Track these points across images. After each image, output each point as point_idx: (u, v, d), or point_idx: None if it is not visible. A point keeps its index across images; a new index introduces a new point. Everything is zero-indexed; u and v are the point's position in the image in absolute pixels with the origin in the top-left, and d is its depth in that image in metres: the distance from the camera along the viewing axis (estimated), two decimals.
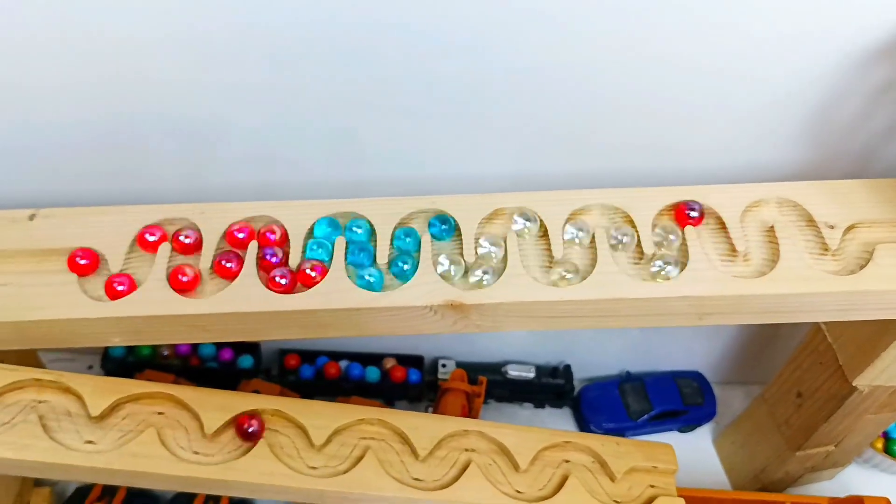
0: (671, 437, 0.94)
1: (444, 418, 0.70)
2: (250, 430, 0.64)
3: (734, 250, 0.64)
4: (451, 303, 0.62)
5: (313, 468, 0.65)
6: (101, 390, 0.65)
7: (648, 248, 0.64)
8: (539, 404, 1.02)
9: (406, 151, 0.77)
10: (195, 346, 0.96)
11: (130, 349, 0.92)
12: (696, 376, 1.03)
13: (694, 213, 0.65)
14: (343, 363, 0.98)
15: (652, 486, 0.71)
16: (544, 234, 0.66)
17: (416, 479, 0.67)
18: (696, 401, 1.00)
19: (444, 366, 1.00)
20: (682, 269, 0.63)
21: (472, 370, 0.98)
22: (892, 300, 0.62)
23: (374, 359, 0.99)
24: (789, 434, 0.86)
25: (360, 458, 0.66)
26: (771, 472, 0.91)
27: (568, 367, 1.01)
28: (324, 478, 0.65)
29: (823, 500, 0.86)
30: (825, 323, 0.78)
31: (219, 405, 0.66)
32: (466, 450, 0.69)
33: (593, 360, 1.04)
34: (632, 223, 0.66)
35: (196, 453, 0.64)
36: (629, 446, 0.72)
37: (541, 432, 0.71)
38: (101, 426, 0.64)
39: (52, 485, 0.86)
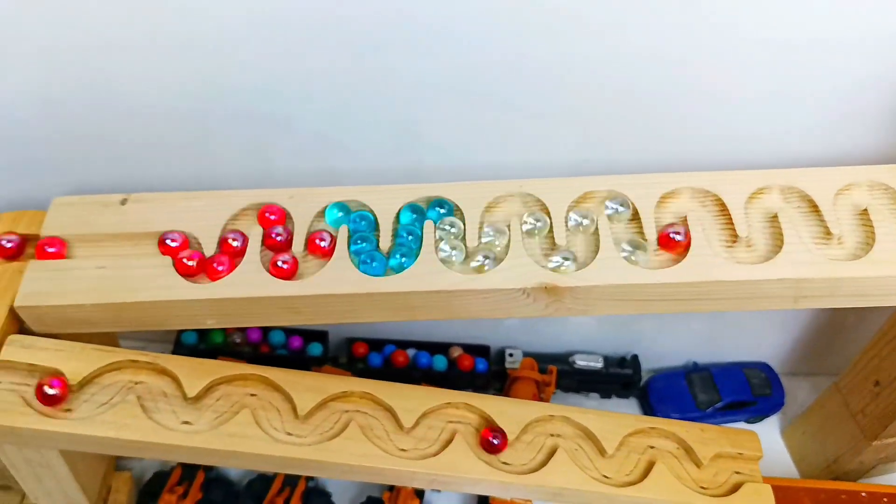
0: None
1: (528, 403, 0.71)
2: (495, 441, 0.66)
3: (828, 233, 0.63)
4: (545, 285, 0.62)
5: (403, 450, 0.66)
6: (197, 372, 0.65)
7: (742, 231, 0.64)
8: (605, 395, 1.02)
9: (483, 138, 0.77)
10: (265, 334, 0.96)
11: (202, 337, 0.93)
12: (764, 367, 1.03)
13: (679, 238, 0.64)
14: (411, 351, 0.98)
15: (738, 473, 0.70)
16: (634, 217, 0.66)
17: (505, 463, 0.67)
18: (765, 391, 0.99)
19: (510, 355, 1.00)
20: (776, 254, 0.62)
21: (539, 360, 0.98)
22: None
23: (442, 347, 0.99)
24: (865, 423, 0.85)
25: (448, 442, 0.67)
26: (844, 462, 0.90)
27: (635, 357, 1.00)
28: (414, 460, 0.65)
29: None
30: None
31: (310, 387, 0.67)
32: (552, 435, 0.69)
33: (659, 350, 1.03)
34: (722, 206, 0.66)
35: (289, 434, 0.65)
36: (714, 433, 0.72)
37: (625, 418, 0.71)
38: (197, 407, 0.64)
39: (132, 469, 0.87)
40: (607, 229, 0.65)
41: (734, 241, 0.64)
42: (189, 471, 0.85)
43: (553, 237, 0.65)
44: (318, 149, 0.78)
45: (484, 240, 0.65)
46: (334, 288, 0.63)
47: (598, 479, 0.67)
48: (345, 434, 0.65)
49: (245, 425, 0.64)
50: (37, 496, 0.72)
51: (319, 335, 0.98)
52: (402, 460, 0.65)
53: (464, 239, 0.65)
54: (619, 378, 0.99)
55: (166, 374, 0.65)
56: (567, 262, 0.63)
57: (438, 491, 0.93)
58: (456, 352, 0.99)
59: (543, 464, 0.67)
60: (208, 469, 0.88)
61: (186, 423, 0.64)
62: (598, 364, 0.99)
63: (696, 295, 0.63)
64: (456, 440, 0.66)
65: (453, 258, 0.64)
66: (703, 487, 0.69)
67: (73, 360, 0.64)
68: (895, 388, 0.80)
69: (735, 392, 0.98)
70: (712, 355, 1.04)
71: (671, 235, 0.63)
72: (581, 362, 0.99)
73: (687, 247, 0.63)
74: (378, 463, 0.64)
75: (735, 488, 0.69)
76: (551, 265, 0.63)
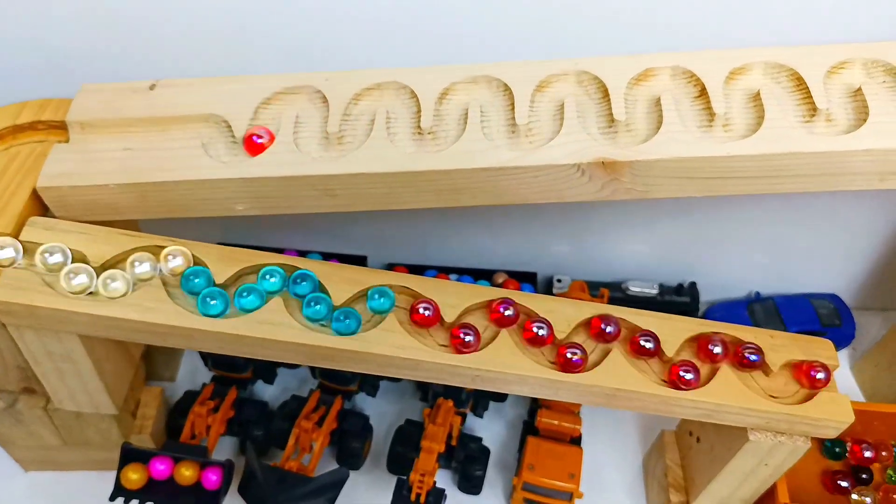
0: None
1: (580, 303, 0.65)
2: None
3: None
4: (602, 160, 0.57)
5: (443, 346, 0.61)
6: (226, 259, 0.61)
7: (821, 103, 0.57)
8: None
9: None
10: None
11: None
12: (833, 298, 0.96)
13: None
14: (453, 277, 0.93)
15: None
16: (701, 93, 0.60)
17: (552, 363, 0.62)
18: (834, 322, 0.92)
19: (559, 281, 0.95)
20: (859, 126, 0.56)
21: (591, 288, 0.92)
22: None
23: (485, 274, 0.94)
24: None
25: (493, 339, 0.62)
26: None
27: (693, 285, 0.94)
28: (456, 353, 0.60)
29: None
30: None
31: (346, 278, 0.62)
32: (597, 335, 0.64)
33: (719, 280, 0.97)
34: (799, 80, 0.59)
35: (323, 325, 0.60)
36: (784, 339, 0.66)
37: (686, 321, 0.65)
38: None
39: (163, 385, 0.84)
40: (671, 104, 0.59)
41: (812, 116, 0.58)
42: (220, 389, 0.82)
43: (611, 113, 0.59)
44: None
45: (534, 118, 0.60)
46: (372, 166, 0.59)
47: (658, 382, 0.62)
48: (382, 326, 0.60)
49: (276, 312, 0.59)
50: (60, 398, 0.69)
51: (358, 260, 0.94)
52: (443, 353, 0.60)
53: (513, 119, 0.60)
54: (675, 306, 0.92)
55: (198, 262, 0.62)
56: (627, 135, 0.58)
57: (480, 416, 0.88)
58: (500, 278, 0.93)
59: (597, 364, 0.62)
60: (241, 387, 0.84)
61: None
62: (653, 291, 0.93)
63: (771, 170, 0.57)
64: (501, 336, 0.61)
65: (498, 135, 0.59)
66: (772, 396, 0.63)
67: (98, 243, 0.60)
68: None
69: (801, 322, 0.92)
70: (777, 286, 0.97)
71: None
72: (634, 289, 0.93)
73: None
74: (416, 355, 0.59)
75: (808, 398, 0.63)
76: (606, 138, 0.58)
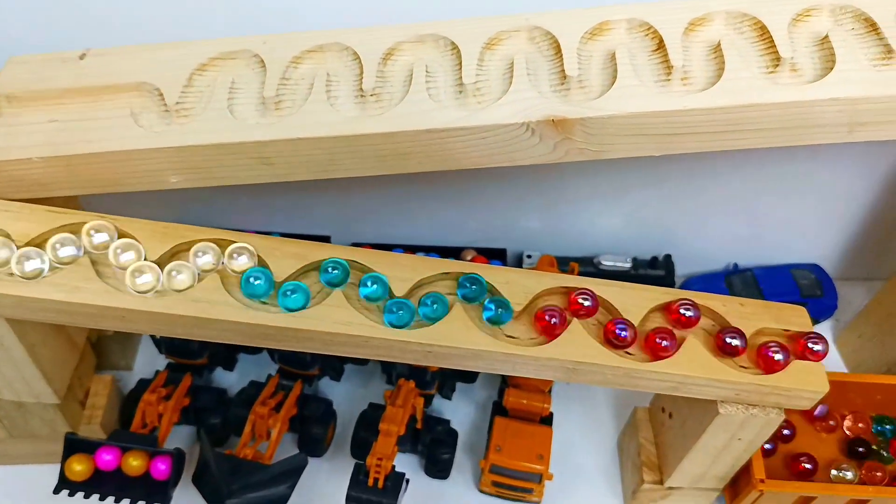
0: None
1: (540, 274, 0.62)
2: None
3: (890, 52, 0.53)
4: (551, 118, 0.53)
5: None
6: (159, 235, 0.58)
7: (785, 52, 0.54)
8: None
9: None
10: None
11: None
12: (814, 268, 0.92)
13: None
14: (420, 255, 0.90)
15: (787, 351, 0.60)
16: (659, 46, 0.56)
17: (511, 336, 0.58)
18: (815, 293, 0.89)
19: (529, 257, 0.91)
20: (826, 75, 0.53)
21: (561, 263, 0.89)
22: None
23: (454, 251, 0.91)
24: None
25: (447, 313, 0.58)
26: None
27: (668, 257, 0.91)
28: (410, 329, 0.57)
29: None
30: None
31: (290, 253, 0.59)
32: (564, 309, 0.60)
33: (697, 252, 0.93)
34: (762, 30, 0.56)
35: (264, 303, 0.57)
36: (756, 307, 0.62)
37: (651, 290, 0.62)
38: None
39: (119, 374, 0.80)
40: (627, 58, 0.56)
41: (776, 66, 0.54)
42: (175, 376, 0.78)
43: (564, 70, 0.56)
44: None
45: (482, 76, 0.57)
46: (309, 131, 0.55)
47: (620, 353, 0.58)
48: (327, 301, 0.57)
49: (213, 291, 0.56)
50: None
51: (321, 240, 0.90)
52: (391, 329, 0.56)
53: (460, 78, 0.56)
54: (649, 280, 0.89)
55: (127, 237, 0.58)
56: (580, 92, 0.54)
57: (449, 398, 0.85)
58: (469, 254, 0.90)
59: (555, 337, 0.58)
60: (198, 374, 0.81)
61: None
62: (627, 265, 0.89)
63: (731, 124, 0.53)
64: (455, 309, 0.58)
65: (445, 95, 0.56)
66: (742, 366, 0.59)
67: (21, 221, 0.57)
68: None
69: (781, 293, 0.88)
70: (757, 258, 0.94)
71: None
72: (607, 263, 0.89)
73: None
74: (363, 331, 0.56)
75: (780, 367, 0.59)
76: (558, 96, 0.54)
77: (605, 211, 0.90)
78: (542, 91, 0.55)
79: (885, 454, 0.75)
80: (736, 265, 0.93)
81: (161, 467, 0.68)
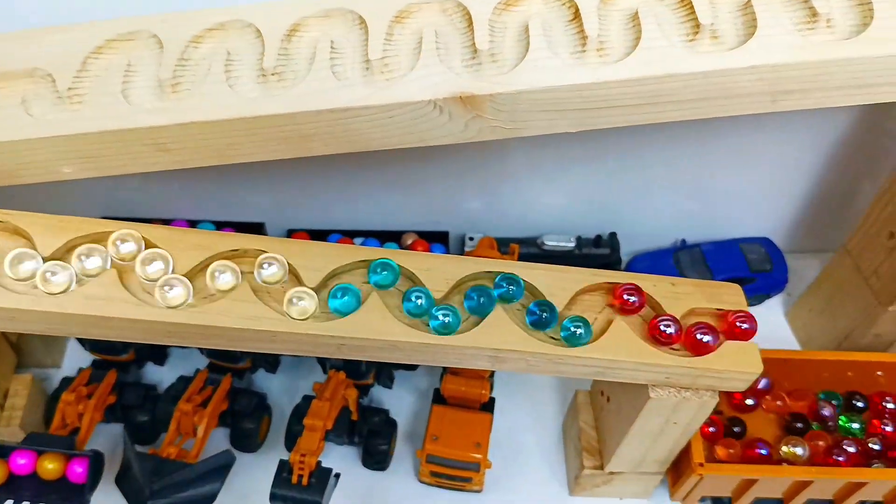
0: None
1: (462, 259, 0.59)
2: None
3: (814, 14, 0.50)
4: (460, 95, 0.50)
5: (303, 319, 0.54)
6: (53, 230, 0.54)
7: (705, 18, 0.51)
8: None
9: None
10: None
11: None
12: (764, 241, 0.90)
13: None
14: (358, 241, 0.87)
15: (719, 332, 0.58)
16: (575, 15, 0.53)
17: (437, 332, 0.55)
18: (764, 267, 0.87)
19: (471, 239, 0.88)
20: (746, 41, 0.50)
21: (501, 244, 0.86)
22: None
23: (394, 235, 0.88)
24: (879, 286, 0.73)
25: (363, 303, 0.55)
26: (857, 337, 0.77)
27: (613, 235, 0.88)
28: (320, 322, 0.54)
29: None
30: None
31: (194, 244, 0.56)
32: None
33: (643, 229, 0.91)
34: None
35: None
36: (688, 287, 0.60)
37: (579, 272, 0.59)
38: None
39: (46, 372, 0.77)
40: (540, 29, 0.53)
41: (696, 33, 0.51)
42: (98, 373, 0.75)
43: (474, 42, 0.52)
44: None
45: (391, 52, 0.54)
46: (205, 114, 0.52)
47: (543, 338, 0.56)
48: (232, 295, 0.54)
49: (109, 287, 0.53)
50: None
51: (254, 227, 0.87)
52: (301, 322, 0.53)
53: (367, 56, 0.53)
54: (594, 259, 0.86)
55: (19, 234, 0.55)
56: (492, 67, 0.51)
57: (389, 387, 0.82)
58: (410, 238, 0.87)
59: (476, 323, 0.56)
60: (124, 371, 0.78)
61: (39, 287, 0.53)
62: (571, 244, 0.87)
63: (649, 97, 0.50)
64: (371, 298, 0.55)
65: (352, 73, 0.53)
66: (673, 349, 0.57)
67: None
68: None
69: (729, 269, 0.86)
70: (705, 233, 0.92)
71: None
72: (550, 243, 0.87)
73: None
74: (271, 326, 0.53)
75: (710, 350, 0.57)
76: (469, 71, 0.51)
77: (549, 189, 0.87)
78: (452, 66, 0.52)
79: (855, 426, 0.74)
80: (684, 241, 0.91)
81: (78, 470, 0.65)
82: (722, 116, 0.52)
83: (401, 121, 0.52)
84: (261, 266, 0.54)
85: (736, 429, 0.73)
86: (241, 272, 0.54)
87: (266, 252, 0.55)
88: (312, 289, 0.55)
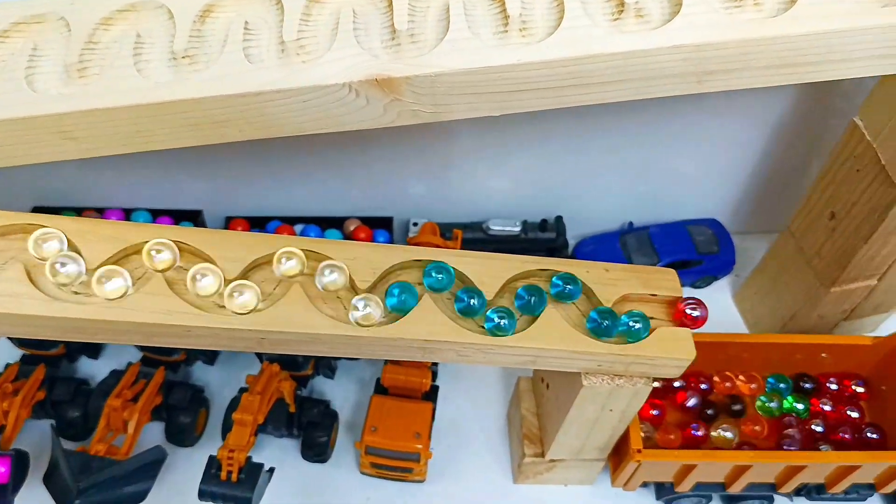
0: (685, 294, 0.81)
1: (389, 247, 0.57)
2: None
3: None
4: (375, 77, 0.48)
5: (223, 307, 0.52)
6: None
7: None
8: None
9: None
10: (128, 217, 0.83)
11: None
12: (712, 223, 0.89)
13: None
14: (298, 227, 0.85)
15: (651, 318, 0.57)
16: None
17: (358, 325, 0.54)
18: (711, 249, 0.86)
19: (415, 224, 0.87)
20: (671, 20, 0.48)
21: (444, 229, 0.84)
22: None
23: (337, 222, 0.86)
24: (821, 267, 0.72)
25: (283, 295, 0.53)
26: (801, 318, 0.77)
27: (559, 219, 0.87)
28: (237, 315, 0.52)
29: (866, 339, 0.73)
30: (862, 118, 0.63)
31: (105, 236, 0.53)
32: (418, 283, 0.56)
33: (591, 213, 0.90)
34: None
35: (76, 293, 0.51)
36: (621, 272, 0.59)
37: (509, 259, 0.58)
38: None
39: None
40: (461, 8, 0.51)
41: (621, 11, 0.50)
42: (27, 369, 0.73)
43: (392, 22, 0.50)
44: None
45: (308, 33, 0.51)
46: (109, 100, 0.50)
47: (472, 329, 0.54)
48: (146, 289, 0.52)
49: (14, 282, 0.51)
50: None
51: (191, 215, 0.85)
52: (219, 316, 0.52)
53: (282, 38, 0.51)
54: (540, 243, 0.85)
55: None
56: (411, 48, 0.49)
57: (331, 377, 0.81)
58: (353, 224, 0.85)
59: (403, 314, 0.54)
60: (53, 366, 0.75)
61: None
62: (516, 229, 0.85)
63: (571, 78, 0.49)
64: (293, 290, 0.53)
65: (267, 55, 0.50)
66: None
67: None
68: (853, 217, 0.66)
69: (676, 252, 0.85)
70: (654, 215, 0.91)
71: None
72: (496, 227, 0.85)
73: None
74: (187, 321, 0.51)
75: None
76: (387, 53, 0.49)
77: (494, 173, 0.86)
78: (370, 48, 0.50)
79: (800, 406, 0.73)
80: (631, 224, 0.90)
81: (0, 470, 0.63)
82: (659, 97, 0.51)
83: (316, 105, 0.50)
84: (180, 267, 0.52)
85: (735, 407, 0.75)
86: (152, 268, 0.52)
87: (195, 248, 0.53)
88: (235, 279, 0.53)
